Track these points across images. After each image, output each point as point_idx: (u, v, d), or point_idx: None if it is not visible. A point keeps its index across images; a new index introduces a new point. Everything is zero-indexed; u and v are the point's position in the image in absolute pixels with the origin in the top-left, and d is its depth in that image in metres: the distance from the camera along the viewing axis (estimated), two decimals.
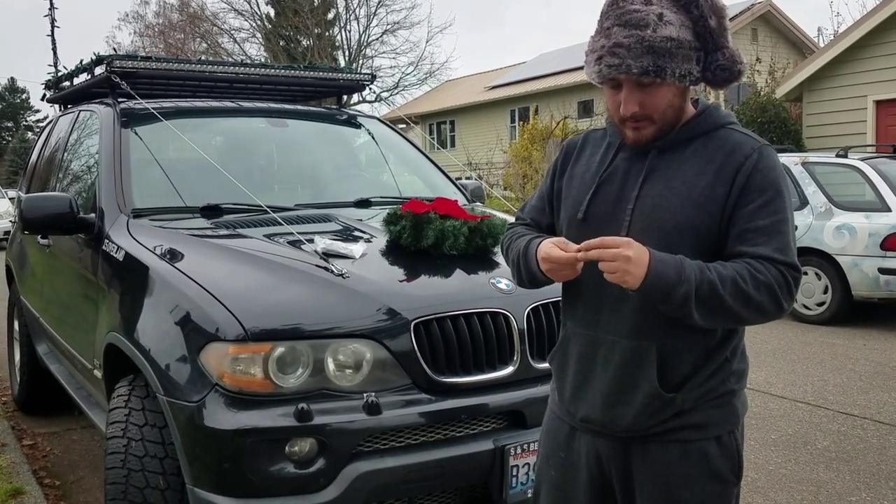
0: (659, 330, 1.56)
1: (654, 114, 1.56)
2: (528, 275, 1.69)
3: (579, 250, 1.50)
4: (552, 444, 1.78)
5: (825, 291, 7.22)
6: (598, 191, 1.65)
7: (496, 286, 2.45)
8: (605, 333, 1.62)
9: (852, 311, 7.24)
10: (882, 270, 6.82)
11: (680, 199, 1.56)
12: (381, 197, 3.60)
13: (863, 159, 7.48)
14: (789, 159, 7.78)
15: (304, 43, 30.47)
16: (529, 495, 2.34)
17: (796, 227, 1.57)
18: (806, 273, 7.35)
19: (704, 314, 1.47)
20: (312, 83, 4.41)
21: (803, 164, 7.61)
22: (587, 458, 1.70)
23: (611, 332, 1.61)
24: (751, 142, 1.59)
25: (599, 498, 1.71)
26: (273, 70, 4.28)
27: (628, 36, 1.51)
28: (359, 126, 4.38)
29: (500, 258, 2.65)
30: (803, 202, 7.42)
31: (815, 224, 7.25)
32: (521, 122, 22.61)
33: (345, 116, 4.43)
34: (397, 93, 31.26)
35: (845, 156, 7.55)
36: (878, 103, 12.35)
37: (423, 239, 2.59)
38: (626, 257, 1.44)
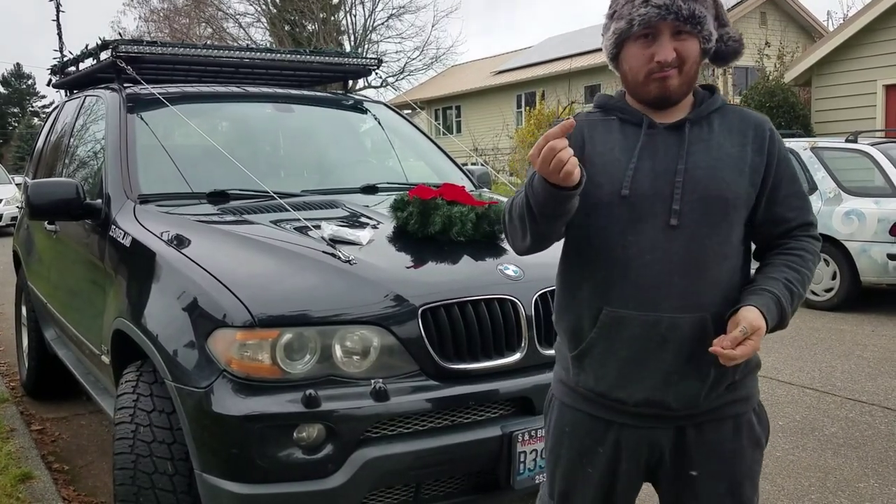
0: (708, 301, 1.58)
1: (685, 63, 1.58)
2: (537, 206, 1.52)
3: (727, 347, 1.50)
4: (587, 442, 1.70)
5: (833, 277, 7.19)
6: (638, 165, 1.61)
7: (504, 272, 2.44)
8: (663, 311, 1.57)
9: (861, 297, 7.21)
10: (891, 256, 6.78)
11: (730, 169, 1.60)
12: (388, 183, 3.59)
13: (872, 144, 7.42)
14: (798, 144, 7.73)
15: (309, 27, 30.33)
16: (537, 481, 2.34)
17: None
18: None
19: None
20: (318, 68, 4.39)
21: (812, 149, 7.56)
22: (630, 451, 1.67)
23: (668, 309, 1.57)
24: (761, 117, 1.69)
25: (636, 490, 1.74)
26: (279, 55, 4.26)
27: None
28: (365, 111, 4.35)
29: (507, 244, 2.64)
30: (812, 187, 7.37)
31: (823, 209, 7.20)
32: (528, 108, 22.49)
33: (351, 102, 4.41)
34: (403, 78, 31.12)
35: (855, 141, 7.50)
36: (888, 88, 12.26)
37: (430, 225, 2.58)
38: (748, 353, 1.50)
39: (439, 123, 27.34)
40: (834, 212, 7.13)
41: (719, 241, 1.58)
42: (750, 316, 1.50)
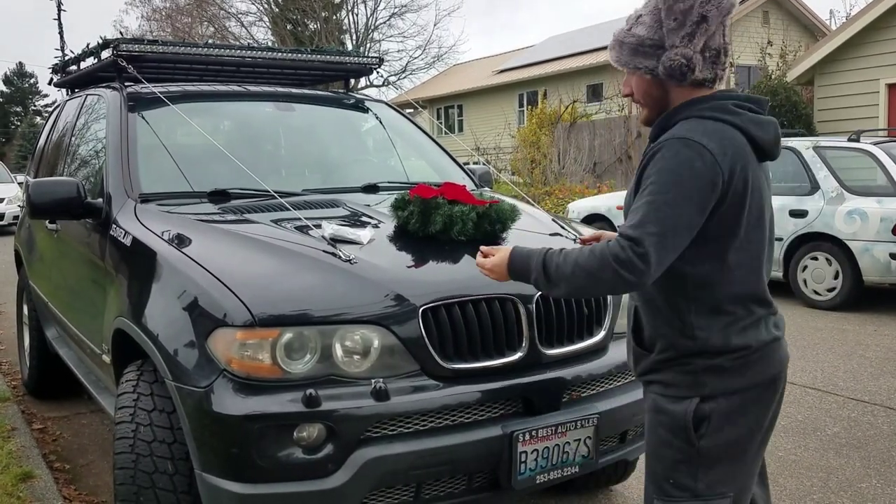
0: (638, 293, 1.90)
1: (638, 97, 1.91)
2: None
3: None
4: None
5: (836, 277, 7.17)
6: None
7: None
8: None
9: (863, 297, 7.20)
10: (893, 256, 6.76)
11: (630, 188, 1.88)
12: (389, 182, 3.59)
13: (875, 143, 7.41)
14: (801, 143, 7.71)
15: (311, 26, 30.35)
16: (538, 481, 2.35)
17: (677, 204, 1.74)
18: (816, 258, 7.31)
19: (558, 294, 1.88)
20: (320, 67, 4.39)
21: (815, 148, 7.54)
22: None
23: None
24: (666, 136, 1.79)
25: None
26: (280, 54, 4.26)
27: (616, 30, 1.90)
28: (366, 110, 4.35)
29: (508, 243, 2.63)
30: (814, 187, 7.36)
31: (826, 209, 7.19)
32: (530, 107, 22.47)
33: (352, 101, 4.40)
34: (405, 77, 31.15)
35: (857, 140, 7.48)
36: (891, 87, 12.23)
37: (431, 224, 2.57)
38: (486, 273, 2.01)
39: (441, 122, 27.33)
40: (836, 211, 7.12)
41: None
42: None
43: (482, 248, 2.05)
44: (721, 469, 1.83)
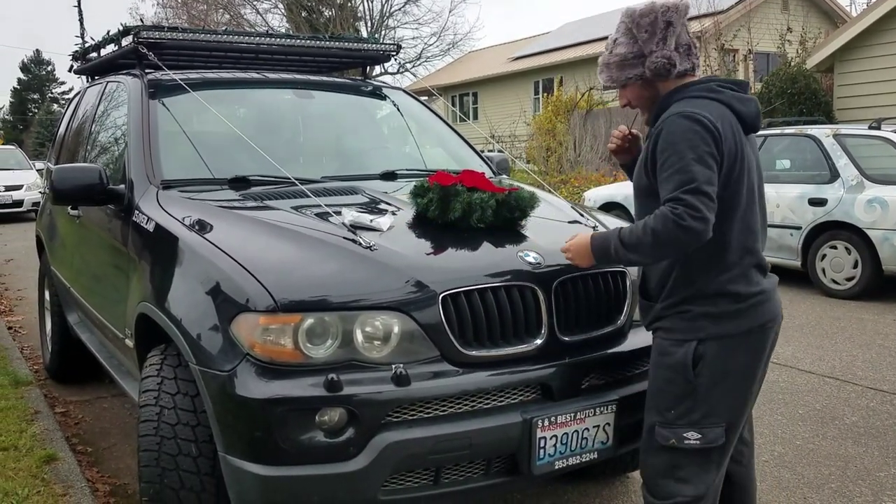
0: None
1: (635, 103, 2.30)
2: None
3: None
4: None
5: (855, 266, 7.12)
6: None
7: (524, 259, 2.44)
8: None
9: (883, 286, 7.14)
10: None
11: (637, 166, 2.27)
12: (407, 169, 3.59)
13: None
14: (820, 131, 7.64)
15: (326, 13, 30.29)
16: (556, 467, 2.36)
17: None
18: (835, 247, 7.25)
19: (637, 259, 2.17)
20: (338, 54, 4.39)
21: (835, 136, 7.47)
22: None
23: None
24: (664, 117, 2.14)
25: None
26: (298, 41, 4.26)
27: (601, 57, 2.32)
28: (384, 97, 4.35)
29: (527, 231, 2.64)
30: (834, 175, 7.29)
31: (846, 197, 7.12)
32: (546, 94, 22.38)
33: (370, 88, 4.41)
34: (419, 64, 31.06)
35: (878, 128, 7.39)
36: None
37: (450, 211, 2.58)
38: (570, 257, 2.33)
39: (456, 109, 27.24)
40: (856, 199, 7.05)
41: (643, 214, 2.20)
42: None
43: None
44: (713, 402, 2.16)
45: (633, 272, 2.59)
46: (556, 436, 2.31)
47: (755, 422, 2.94)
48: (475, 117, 27.46)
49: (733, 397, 2.19)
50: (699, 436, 2.16)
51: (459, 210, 2.56)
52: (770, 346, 2.24)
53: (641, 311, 2.35)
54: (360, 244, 2.39)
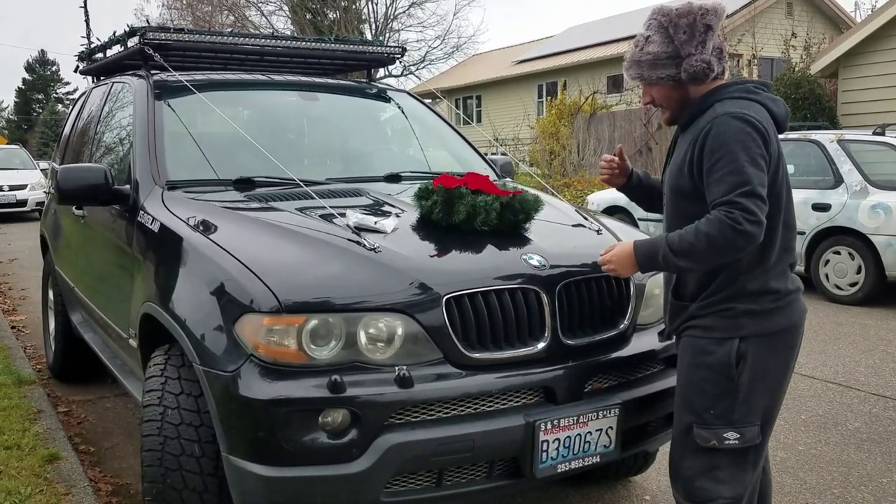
0: None
1: (660, 102, 2.27)
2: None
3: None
4: None
5: (858, 271, 7.11)
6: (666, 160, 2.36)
7: (528, 262, 2.44)
8: None
9: (886, 292, 7.13)
10: None
11: (674, 167, 2.23)
12: (411, 171, 3.60)
13: None
14: (824, 136, 7.63)
15: (330, 16, 30.32)
16: (559, 470, 2.36)
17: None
18: (839, 253, 7.24)
19: (686, 265, 2.12)
20: (343, 56, 4.40)
21: (839, 141, 7.46)
22: None
23: None
24: (711, 114, 2.13)
25: None
26: (304, 43, 4.27)
27: (628, 52, 2.26)
28: (388, 100, 4.36)
29: (531, 234, 2.64)
30: (838, 180, 7.28)
31: (849, 203, 7.12)
32: (549, 98, 22.38)
33: (375, 90, 4.42)
34: (423, 67, 31.06)
35: (882, 133, 7.39)
36: None
37: (454, 214, 2.58)
38: (612, 269, 2.29)
39: (460, 112, 27.26)
40: (860, 205, 7.05)
41: (677, 216, 2.23)
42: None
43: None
44: (753, 401, 2.15)
45: (636, 276, 2.59)
46: (558, 439, 2.31)
47: None
48: (479, 120, 27.47)
49: (770, 395, 2.19)
50: (738, 435, 2.15)
51: (463, 213, 2.56)
52: (800, 343, 2.26)
53: (671, 312, 2.30)
54: (365, 246, 2.39)
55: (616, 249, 2.27)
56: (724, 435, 2.15)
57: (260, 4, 30.91)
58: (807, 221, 7.40)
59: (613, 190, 10.10)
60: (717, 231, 2.00)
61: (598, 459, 2.44)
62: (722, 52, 2.20)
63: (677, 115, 2.26)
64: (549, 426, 2.29)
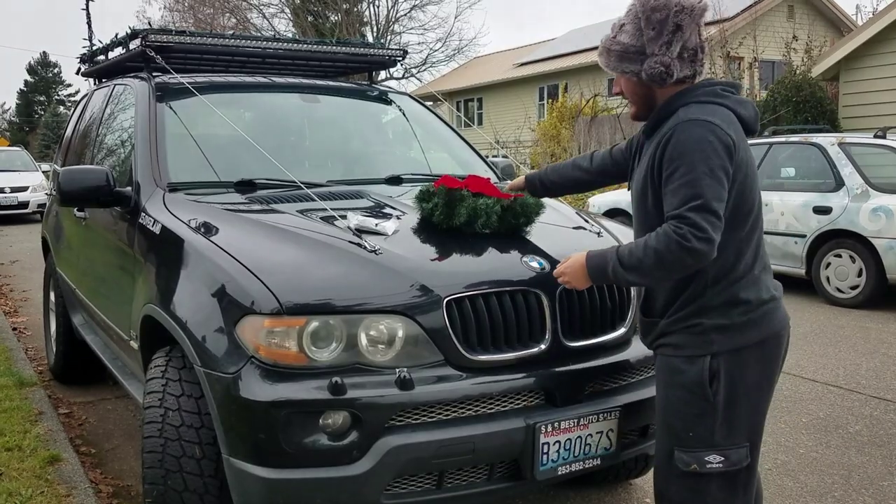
0: None
1: (627, 96, 2.18)
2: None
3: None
4: None
5: (859, 274, 7.11)
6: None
7: (528, 265, 2.44)
8: None
9: (887, 295, 7.12)
10: None
11: (639, 174, 2.15)
12: (412, 174, 3.60)
13: None
14: (825, 139, 7.63)
15: (332, 18, 30.35)
16: (559, 473, 2.36)
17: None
18: (840, 256, 7.24)
19: (636, 280, 2.06)
20: (344, 59, 4.40)
21: (840, 144, 7.47)
22: None
23: None
24: (674, 120, 2.02)
25: None
26: (305, 45, 4.27)
27: (603, 37, 2.15)
28: (390, 102, 4.37)
29: (532, 237, 2.64)
30: (839, 183, 7.29)
31: (850, 206, 7.12)
32: (550, 100, 22.39)
33: (376, 92, 4.42)
34: (425, 69, 31.08)
35: (883, 136, 7.40)
36: None
37: (455, 217, 2.58)
38: (566, 281, 2.22)
39: (461, 114, 27.29)
40: (861, 208, 7.04)
41: (646, 225, 2.12)
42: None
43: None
44: (734, 421, 2.04)
45: None
46: (559, 441, 2.31)
47: None
48: (480, 123, 27.49)
49: (752, 413, 2.07)
50: (722, 458, 2.04)
51: (465, 215, 2.56)
52: (783, 354, 2.14)
53: (641, 328, 2.24)
54: (365, 248, 2.40)
55: (570, 261, 2.19)
56: (706, 458, 2.04)
57: (262, 7, 30.97)
58: (808, 224, 7.40)
59: (614, 192, 10.16)
60: (664, 247, 1.92)
61: (599, 462, 2.44)
62: (696, 53, 2.07)
63: (642, 112, 2.17)
64: (549, 428, 2.29)
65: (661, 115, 2.09)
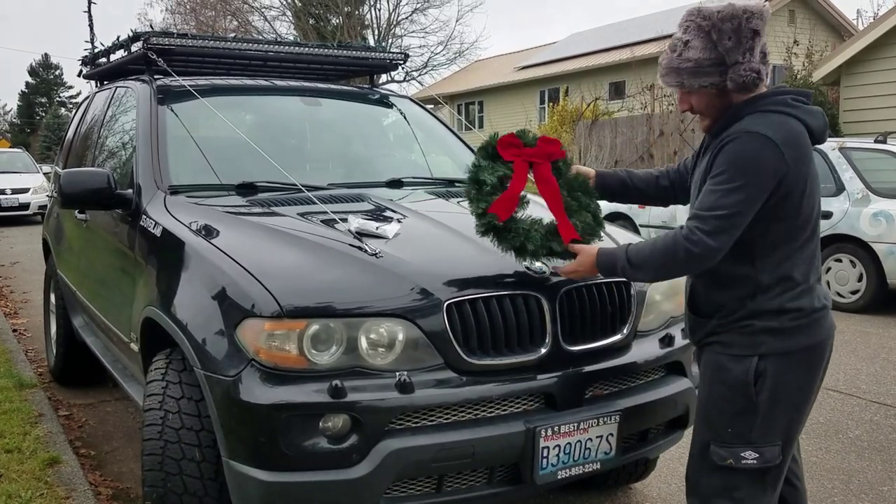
0: (693, 275, 2.22)
1: (700, 110, 2.14)
2: None
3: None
4: None
5: (860, 279, 7.11)
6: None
7: (529, 268, 2.44)
8: None
9: (887, 300, 7.12)
10: None
11: (698, 176, 2.16)
12: (413, 177, 3.61)
13: None
14: (826, 144, 7.62)
15: (333, 21, 30.42)
16: (559, 477, 2.36)
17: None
18: (840, 260, 7.24)
19: (642, 277, 2.22)
20: (345, 62, 4.41)
21: (840, 149, 7.47)
22: None
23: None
24: (738, 126, 2.02)
25: None
26: (307, 48, 4.28)
27: (664, 58, 2.12)
28: (391, 106, 4.37)
29: None
30: (839, 188, 7.29)
31: (851, 210, 7.12)
32: (551, 104, 22.41)
33: (377, 96, 4.43)
34: (426, 73, 31.14)
35: (884, 141, 7.40)
36: None
37: (508, 241, 2.36)
38: (574, 267, 2.30)
39: (462, 118, 27.35)
40: (861, 213, 7.05)
41: None
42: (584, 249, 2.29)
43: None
44: (773, 421, 2.08)
45: (636, 283, 2.59)
46: (559, 445, 2.31)
47: None
48: (480, 126, 27.51)
49: (791, 415, 2.11)
50: (756, 455, 2.08)
51: (518, 242, 2.35)
52: (827, 361, 2.17)
53: (690, 326, 2.26)
54: (366, 251, 2.40)
55: (580, 257, 2.27)
56: (742, 454, 2.08)
57: (263, 10, 31.03)
58: None
59: None
60: (672, 249, 2.02)
61: (599, 466, 2.43)
62: (765, 56, 2.07)
63: (714, 124, 2.15)
64: (549, 432, 2.29)
65: (727, 122, 2.08)
